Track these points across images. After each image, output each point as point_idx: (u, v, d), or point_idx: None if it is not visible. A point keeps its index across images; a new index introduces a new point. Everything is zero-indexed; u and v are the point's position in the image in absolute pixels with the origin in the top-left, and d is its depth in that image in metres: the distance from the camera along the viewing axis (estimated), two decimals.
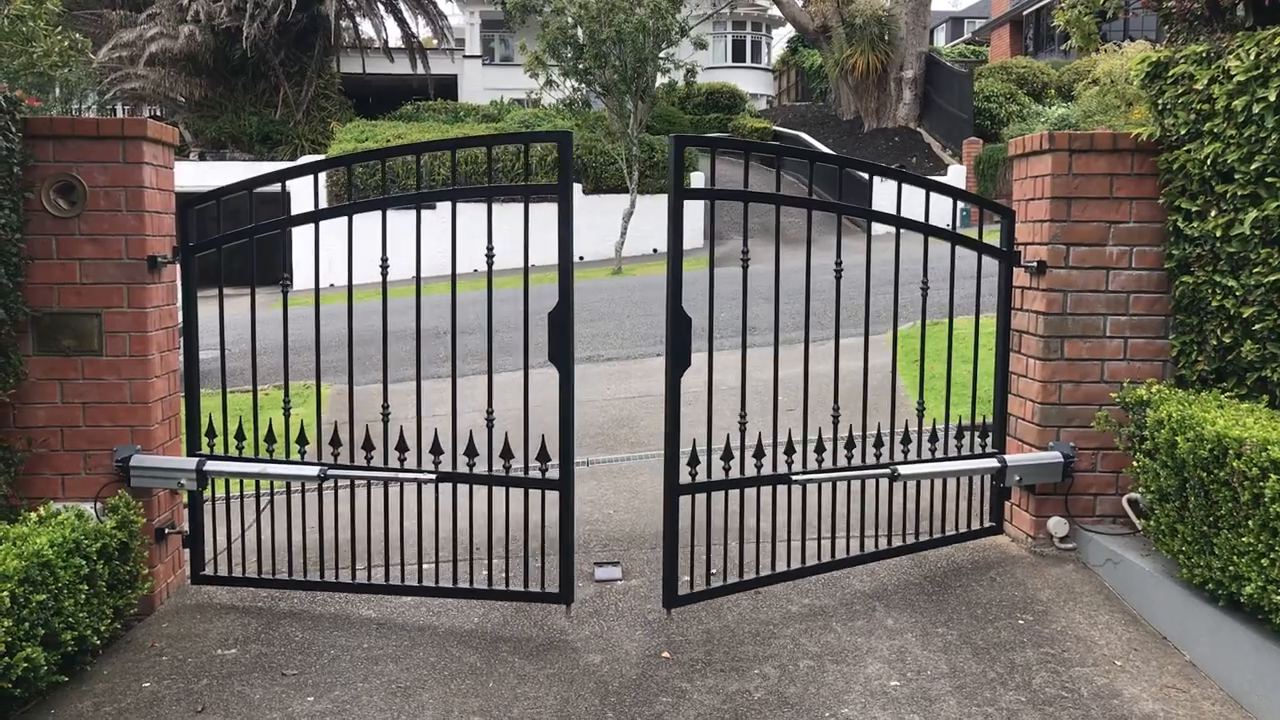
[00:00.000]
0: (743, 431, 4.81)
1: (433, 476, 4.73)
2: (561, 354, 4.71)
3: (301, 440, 4.91)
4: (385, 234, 4.76)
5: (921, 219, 5.07)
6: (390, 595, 4.97)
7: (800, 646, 4.43)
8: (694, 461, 4.71)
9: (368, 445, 4.86)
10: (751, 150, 4.98)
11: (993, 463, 5.20)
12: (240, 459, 5.03)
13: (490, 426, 4.78)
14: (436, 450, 4.81)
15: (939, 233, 5.13)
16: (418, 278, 4.87)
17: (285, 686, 4.21)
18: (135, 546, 4.64)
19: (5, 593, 3.63)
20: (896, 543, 5.26)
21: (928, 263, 5.10)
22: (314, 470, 4.76)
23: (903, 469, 4.96)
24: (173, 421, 5.11)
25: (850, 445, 5.05)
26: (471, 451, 4.82)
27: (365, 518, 5.04)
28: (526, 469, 4.79)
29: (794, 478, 4.85)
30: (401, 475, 4.76)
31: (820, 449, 5.04)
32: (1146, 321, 5.18)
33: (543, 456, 4.76)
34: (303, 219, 4.98)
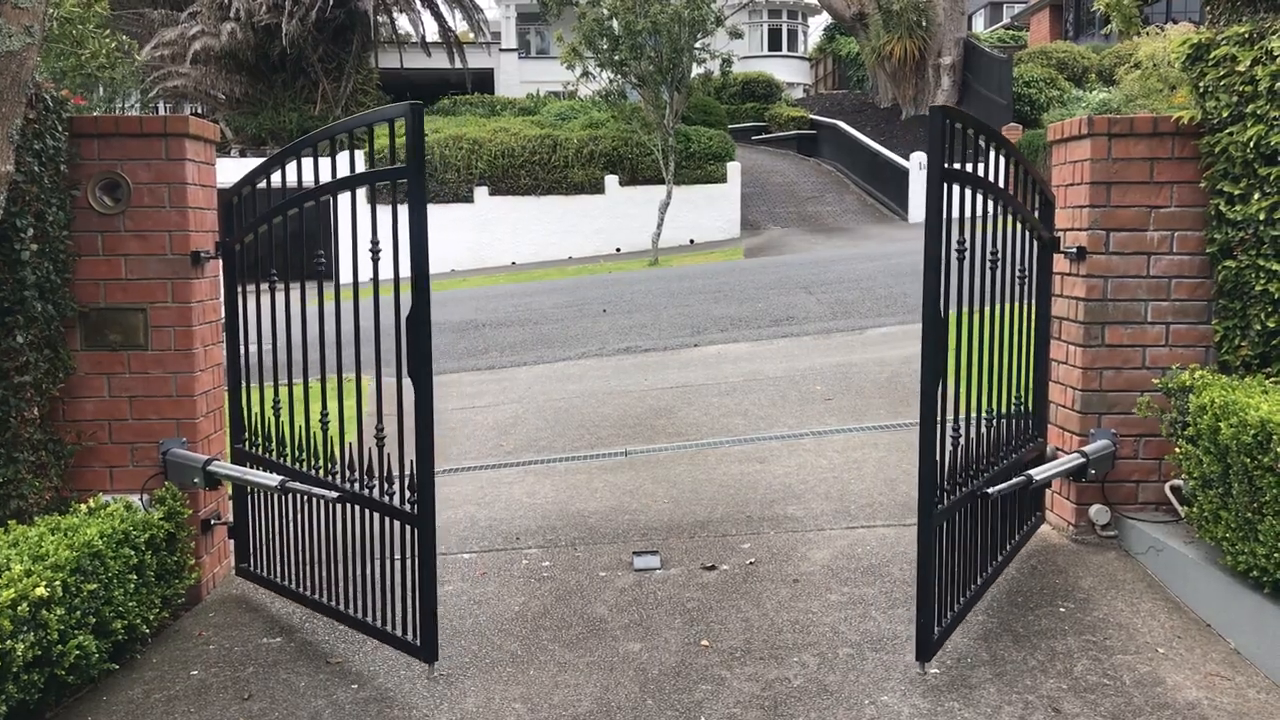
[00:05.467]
0: (959, 441, 4.32)
1: (335, 495, 4.44)
2: (418, 365, 4.10)
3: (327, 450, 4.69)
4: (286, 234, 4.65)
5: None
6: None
7: (840, 635, 4.43)
8: (939, 484, 4.10)
9: (315, 455, 4.67)
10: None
11: (1079, 458, 5.11)
12: (232, 461, 5.02)
13: (381, 444, 4.30)
14: (352, 467, 4.44)
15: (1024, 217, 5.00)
16: (301, 287, 4.68)
17: (329, 674, 4.27)
18: (182, 537, 4.73)
19: (58, 582, 3.72)
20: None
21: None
22: (275, 481, 4.63)
23: (1034, 474, 4.78)
24: (217, 415, 5.20)
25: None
26: (372, 471, 4.36)
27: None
28: (402, 495, 4.22)
29: (988, 491, 4.48)
30: (315, 490, 4.50)
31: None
32: (1188, 307, 5.13)
33: (415, 486, 4.13)
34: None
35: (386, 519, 4.34)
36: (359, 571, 4.46)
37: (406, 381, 4.07)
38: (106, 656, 4.07)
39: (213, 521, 5.14)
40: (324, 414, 4.61)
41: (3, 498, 4.44)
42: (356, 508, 4.45)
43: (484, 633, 4.60)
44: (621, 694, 4.03)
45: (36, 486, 4.57)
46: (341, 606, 4.59)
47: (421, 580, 4.17)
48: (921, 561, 4.06)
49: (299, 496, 4.74)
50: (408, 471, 4.15)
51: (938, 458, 4.04)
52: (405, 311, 4.08)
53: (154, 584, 4.46)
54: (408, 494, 4.17)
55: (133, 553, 4.27)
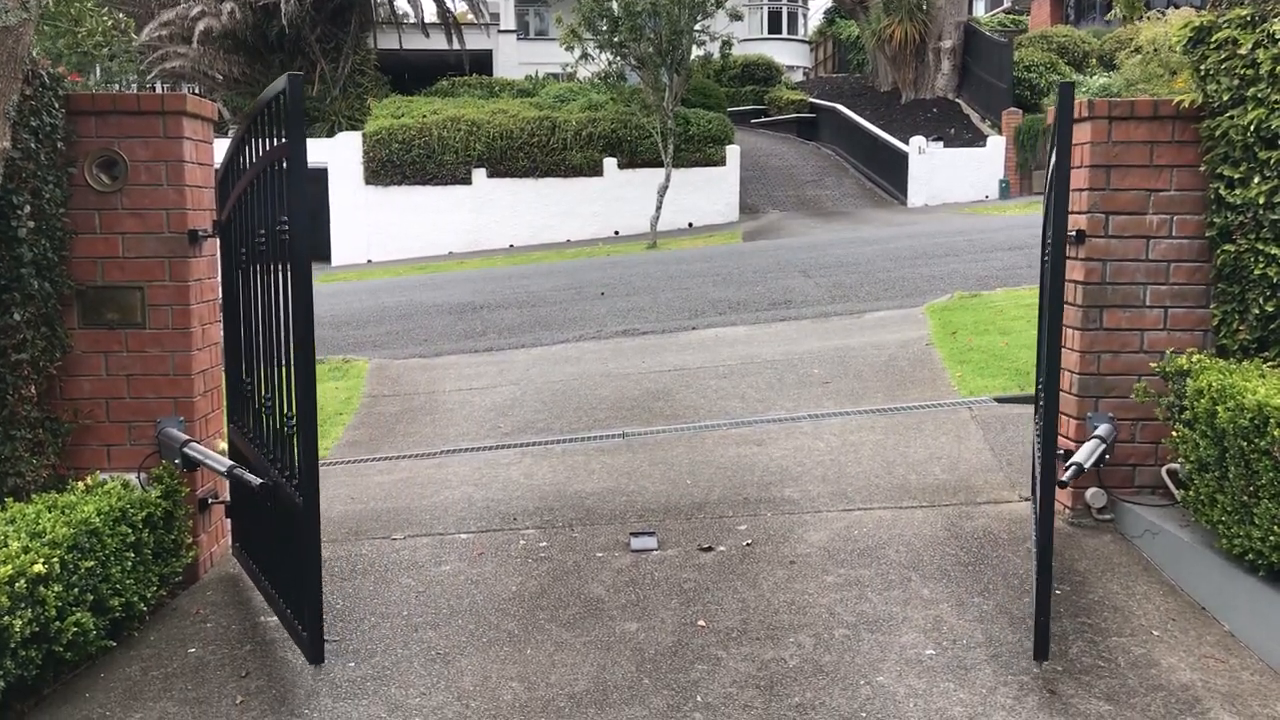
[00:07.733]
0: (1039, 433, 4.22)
1: (259, 483, 4.35)
2: (298, 350, 3.98)
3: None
4: None
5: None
6: None
7: (836, 616, 4.44)
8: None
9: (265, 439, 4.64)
10: None
11: (1099, 443, 5.06)
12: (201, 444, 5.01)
13: (291, 431, 4.17)
14: (281, 453, 4.38)
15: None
16: (262, 269, 4.54)
17: (327, 653, 4.27)
18: (179, 516, 4.73)
19: (55, 559, 3.72)
20: None
21: None
22: (224, 466, 4.60)
23: (1080, 460, 4.75)
24: (214, 394, 5.20)
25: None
26: (286, 461, 4.30)
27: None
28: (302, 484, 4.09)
29: (1062, 479, 4.34)
30: (246, 477, 4.42)
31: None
32: (1187, 291, 5.12)
33: (298, 474, 4.05)
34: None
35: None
36: (282, 560, 4.43)
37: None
38: (104, 634, 4.08)
39: (210, 500, 5.14)
40: (267, 399, 4.52)
41: (0, 475, 4.44)
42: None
43: (481, 612, 4.61)
44: (618, 673, 4.04)
45: (34, 464, 4.57)
46: (272, 590, 4.57)
47: (305, 573, 4.04)
48: (1040, 564, 3.88)
49: None
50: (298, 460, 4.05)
51: (1057, 449, 3.81)
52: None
53: (151, 562, 4.47)
54: (295, 482, 4.08)
55: (130, 530, 4.27)
